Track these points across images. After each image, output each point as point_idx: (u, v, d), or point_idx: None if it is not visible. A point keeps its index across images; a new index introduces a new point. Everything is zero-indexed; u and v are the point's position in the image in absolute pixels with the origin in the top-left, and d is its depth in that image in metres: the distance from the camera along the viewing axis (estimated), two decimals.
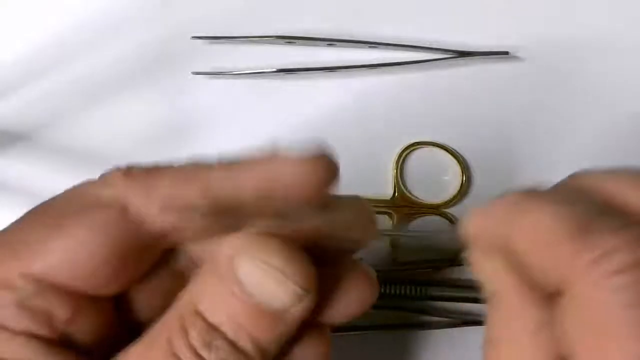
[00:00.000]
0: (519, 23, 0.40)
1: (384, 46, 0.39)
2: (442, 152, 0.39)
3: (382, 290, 0.38)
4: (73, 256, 0.22)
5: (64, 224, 0.22)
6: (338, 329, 0.39)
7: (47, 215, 0.23)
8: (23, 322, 0.21)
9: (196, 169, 0.23)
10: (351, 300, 0.26)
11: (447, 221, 0.40)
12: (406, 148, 0.39)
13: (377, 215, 0.39)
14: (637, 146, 0.39)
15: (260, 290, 0.21)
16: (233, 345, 0.21)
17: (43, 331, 0.21)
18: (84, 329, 0.22)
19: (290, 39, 0.39)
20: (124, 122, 0.39)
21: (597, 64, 0.40)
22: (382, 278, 0.39)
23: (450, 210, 0.40)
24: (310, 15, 0.40)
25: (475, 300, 0.39)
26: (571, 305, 0.18)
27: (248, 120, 0.39)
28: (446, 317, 0.39)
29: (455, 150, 0.39)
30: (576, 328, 0.18)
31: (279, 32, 0.39)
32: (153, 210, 0.22)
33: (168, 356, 0.21)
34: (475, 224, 0.24)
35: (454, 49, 0.39)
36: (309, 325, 0.25)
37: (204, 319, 0.21)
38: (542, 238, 0.19)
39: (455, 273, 0.39)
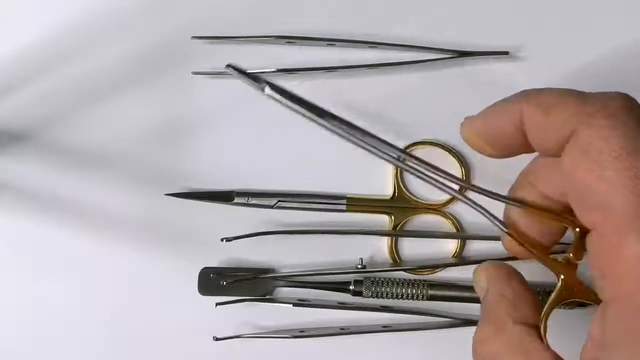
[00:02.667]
0: (519, 23, 0.40)
1: (384, 46, 0.39)
2: (442, 152, 0.39)
3: (383, 290, 0.38)
4: None
5: None
6: (340, 330, 0.39)
7: None
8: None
9: None
10: None
11: (447, 221, 0.40)
12: (406, 148, 0.39)
13: (377, 215, 0.39)
14: None
15: None
16: None
17: None
18: None
19: (290, 39, 0.39)
20: (124, 122, 0.39)
21: (597, 63, 0.40)
22: (382, 278, 0.39)
23: (450, 210, 0.40)
24: (310, 15, 0.40)
25: (476, 301, 0.39)
26: (573, 147, 0.24)
27: (248, 120, 0.39)
28: (446, 317, 0.39)
29: (455, 150, 0.39)
30: (577, 162, 0.24)
31: (279, 32, 0.39)
32: None
33: None
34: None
35: (454, 49, 0.39)
36: None
37: None
38: (553, 102, 0.25)
39: (455, 273, 0.39)
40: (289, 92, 0.25)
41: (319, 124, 0.25)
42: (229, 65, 0.26)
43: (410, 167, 0.27)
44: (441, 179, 0.27)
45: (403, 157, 0.26)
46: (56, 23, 0.39)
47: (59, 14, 0.39)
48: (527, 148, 0.28)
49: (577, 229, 0.26)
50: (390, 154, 0.26)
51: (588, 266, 0.25)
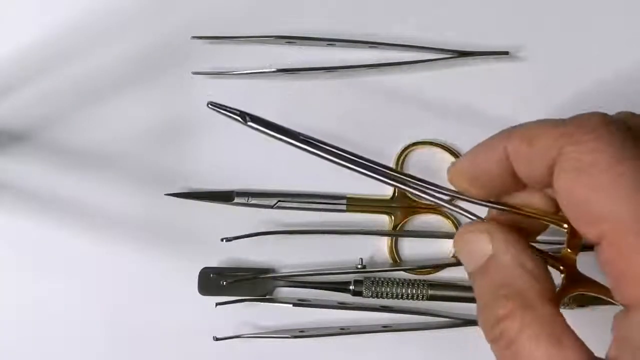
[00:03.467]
0: (519, 23, 0.40)
1: (384, 46, 0.39)
2: (442, 151, 0.39)
3: (383, 290, 0.38)
4: None
5: None
6: (340, 330, 0.39)
7: None
8: None
9: None
10: None
11: (447, 221, 0.40)
12: (406, 148, 0.39)
13: (377, 215, 0.39)
14: None
15: None
16: None
17: None
18: None
19: (290, 39, 0.39)
20: (124, 122, 0.39)
21: (597, 64, 0.40)
22: (382, 278, 0.39)
23: (450, 210, 0.40)
24: (310, 15, 0.40)
25: (475, 301, 0.39)
26: (563, 166, 0.24)
27: None
28: (446, 317, 0.39)
29: (455, 150, 0.39)
30: (570, 179, 0.24)
31: (279, 32, 0.39)
32: None
33: None
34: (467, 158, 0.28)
35: (454, 49, 0.39)
36: None
37: None
38: (535, 132, 0.26)
39: (455, 273, 0.39)
40: (269, 122, 0.28)
41: (298, 147, 0.28)
42: (209, 104, 0.28)
43: (393, 182, 0.28)
44: (430, 191, 0.28)
45: (388, 173, 0.28)
46: (56, 23, 0.39)
47: (59, 14, 0.39)
48: (512, 186, 0.27)
49: (566, 225, 0.26)
50: (378, 171, 0.28)
51: (604, 274, 0.25)
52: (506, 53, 0.39)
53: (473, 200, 0.28)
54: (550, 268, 0.26)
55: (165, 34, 0.39)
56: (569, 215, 0.25)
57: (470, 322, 0.39)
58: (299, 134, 0.28)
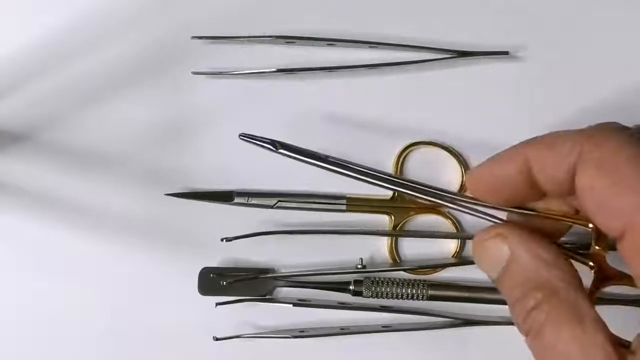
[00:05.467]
0: (519, 23, 0.40)
1: (384, 46, 0.39)
2: (442, 151, 0.39)
3: (383, 290, 0.38)
4: None
5: None
6: (341, 330, 0.39)
7: None
8: None
9: None
10: None
11: (447, 221, 0.40)
12: (406, 148, 0.39)
13: (377, 215, 0.39)
14: None
15: None
16: None
17: None
18: None
19: (290, 39, 0.39)
20: (124, 122, 0.39)
21: (597, 64, 0.40)
22: (382, 278, 0.39)
23: (450, 210, 0.40)
24: (310, 15, 0.40)
25: (476, 301, 0.39)
26: (585, 166, 0.25)
27: (248, 120, 0.39)
28: (446, 317, 0.39)
29: (455, 150, 0.39)
30: (593, 177, 0.25)
31: (279, 32, 0.39)
32: None
33: None
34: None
35: (454, 49, 0.39)
36: None
37: None
38: (554, 138, 0.27)
39: (455, 273, 0.39)
40: (299, 148, 0.30)
41: (327, 169, 0.30)
42: (240, 135, 0.30)
43: (410, 193, 0.30)
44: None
45: (418, 188, 0.29)
46: (56, 23, 0.39)
47: (59, 14, 0.39)
48: (531, 196, 0.28)
49: (591, 225, 0.27)
50: (407, 186, 0.30)
51: (629, 269, 0.25)
52: (506, 53, 0.39)
53: (495, 206, 0.28)
54: (579, 266, 0.26)
55: (165, 34, 0.39)
56: (591, 213, 0.26)
57: (470, 322, 0.39)
58: (327, 156, 0.30)
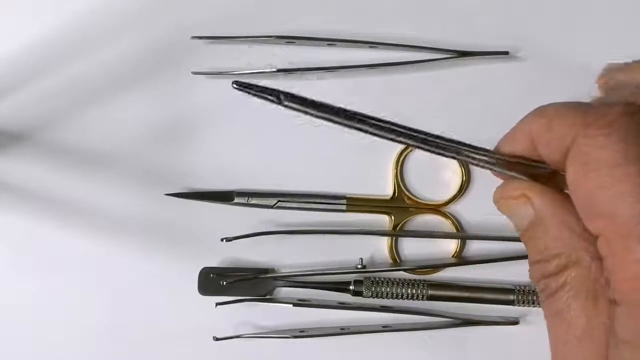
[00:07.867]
0: (519, 23, 0.40)
1: (384, 46, 0.39)
2: None
3: (383, 290, 0.38)
4: None
5: None
6: (341, 330, 0.39)
7: None
8: None
9: None
10: None
11: (447, 221, 0.40)
12: (406, 148, 0.39)
13: (377, 215, 0.39)
14: None
15: None
16: None
17: None
18: None
19: (290, 39, 0.39)
20: (124, 122, 0.39)
21: (597, 64, 0.40)
22: (382, 278, 0.39)
23: (450, 210, 0.40)
24: (310, 15, 0.40)
25: (475, 301, 0.39)
26: (573, 158, 0.24)
27: (248, 120, 0.39)
28: (446, 317, 0.39)
29: None
30: (578, 172, 0.24)
31: (279, 32, 0.39)
32: None
33: None
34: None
35: (454, 49, 0.39)
36: None
37: None
38: (554, 115, 0.26)
39: (455, 273, 0.39)
40: (308, 99, 0.24)
41: (342, 124, 0.25)
42: (234, 83, 0.23)
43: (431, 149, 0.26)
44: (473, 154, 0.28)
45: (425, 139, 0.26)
46: (56, 23, 0.39)
47: (59, 14, 0.39)
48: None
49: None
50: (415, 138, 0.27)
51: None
52: (506, 53, 0.39)
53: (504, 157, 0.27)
54: None
55: (165, 34, 0.39)
56: (575, 204, 0.25)
57: (470, 322, 0.39)
58: (341, 108, 0.24)
